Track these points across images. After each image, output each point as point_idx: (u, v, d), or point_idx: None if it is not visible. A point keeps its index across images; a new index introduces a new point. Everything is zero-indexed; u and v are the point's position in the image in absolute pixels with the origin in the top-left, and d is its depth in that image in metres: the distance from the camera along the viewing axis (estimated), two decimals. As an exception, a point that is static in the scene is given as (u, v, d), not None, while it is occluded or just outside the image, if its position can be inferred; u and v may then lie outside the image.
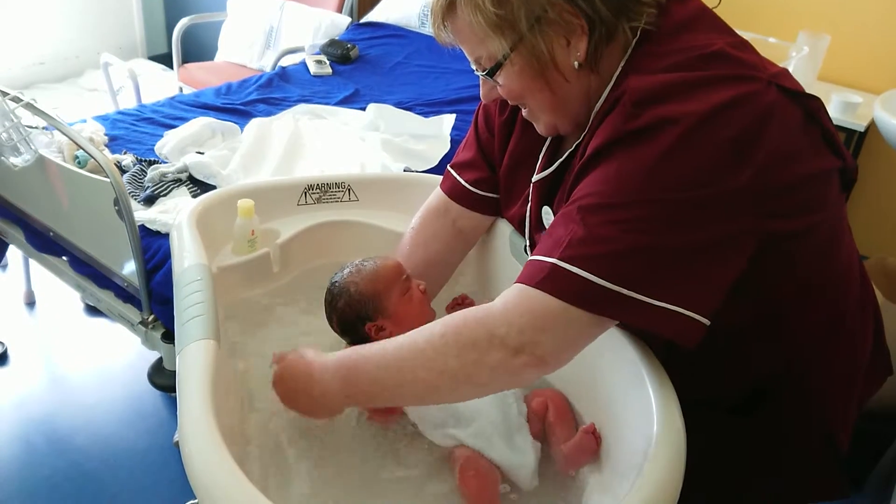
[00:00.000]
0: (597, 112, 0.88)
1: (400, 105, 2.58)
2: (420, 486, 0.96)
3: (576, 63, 0.85)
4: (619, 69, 0.85)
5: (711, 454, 0.90)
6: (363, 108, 2.52)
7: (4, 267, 2.76)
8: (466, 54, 0.90)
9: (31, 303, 2.62)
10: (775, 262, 0.85)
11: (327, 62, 2.91)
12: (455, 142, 2.34)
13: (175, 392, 1.84)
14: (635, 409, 0.87)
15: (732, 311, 0.83)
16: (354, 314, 1.08)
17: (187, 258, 1.03)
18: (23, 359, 2.40)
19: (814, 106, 0.84)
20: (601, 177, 0.80)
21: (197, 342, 0.86)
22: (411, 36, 3.16)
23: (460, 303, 1.22)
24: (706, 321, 0.79)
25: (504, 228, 1.19)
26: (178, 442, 1.99)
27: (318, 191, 1.31)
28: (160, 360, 1.77)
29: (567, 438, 0.99)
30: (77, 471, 1.99)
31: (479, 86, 0.94)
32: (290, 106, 2.54)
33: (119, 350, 2.46)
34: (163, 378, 1.73)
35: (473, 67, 0.92)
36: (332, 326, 1.12)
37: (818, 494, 1.04)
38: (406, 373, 0.84)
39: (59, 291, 2.12)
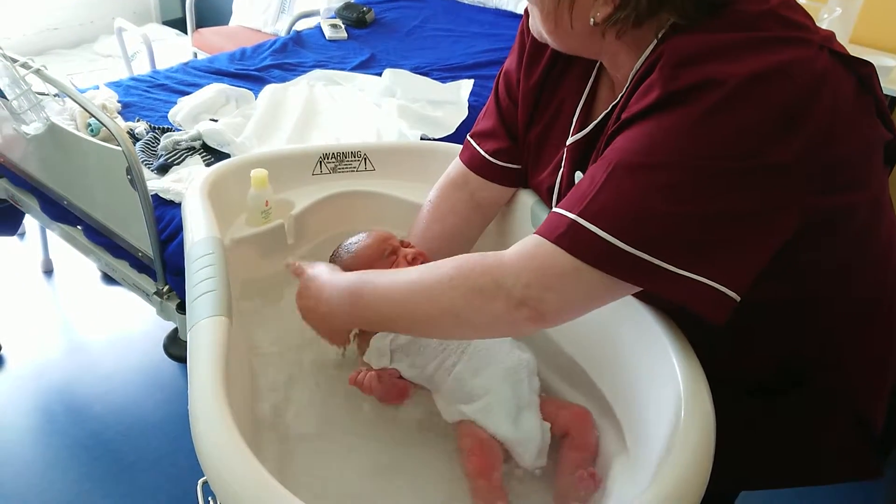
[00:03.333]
0: (635, 73, 0.83)
1: (417, 70, 2.52)
2: (433, 470, 0.94)
3: (591, 20, 0.81)
4: (663, 31, 0.80)
5: (738, 436, 0.87)
6: (379, 74, 2.46)
7: (22, 235, 2.76)
8: None
9: (48, 271, 2.62)
10: (814, 240, 0.80)
11: (342, 26, 2.85)
12: (473, 108, 2.28)
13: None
14: (661, 391, 0.83)
15: (766, 288, 0.78)
16: None
17: (198, 231, 0.99)
18: (41, 327, 2.40)
19: (866, 73, 0.78)
20: (636, 136, 0.75)
21: (208, 319, 0.84)
22: (429, -1, 3.09)
23: None
24: (736, 297, 0.75)
25: (526, 200, 1.14)
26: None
27: (333, 160, 1.27)
28: (175, 330, 1.76)
29: (577, 466, 0.94)
30: (95, 440, 2.00)
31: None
32: (305, 71, 2.49)
33: (136, 318, 2.46)
34: (178, 349, 1.72)
35: None
36: None
37: (849, 475, 1.00)
38: (409, 306, 0.86)
39: (76, 260, 2.12)
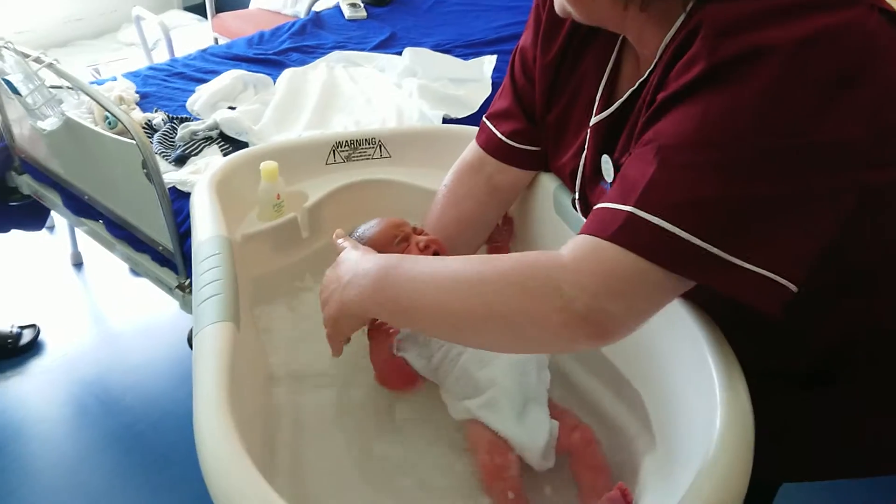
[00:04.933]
0: (666, 46, 0.77)
1: (438, 48, 2.46)
2: (447, 466, 0.91)
3: None
4: (691, 3, 0.74)
5: (782, 427, 0.81)
6: (400, 53, 2.41)
7: (52, 229, 2.77)
8: None
9: (77, 264, 2.63)
10: (864, 220, 0.73)
11: (362, 5, 2.79)
12: (496, 85, 2.21)
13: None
14: (693, 385, 0.78)
15: (813, 273, 0.72)
16: None
17: (204, 230, 0.96)
18: (72, 319, 2.42)
19: None
20: (684, 115, 0.69)
21: (212, 325, 0.80)
22: (450, -28, 3.00)
23: (504, 222, 1.16)
24: (794, 288, 0.68)
25: (548, 184, 1.08)
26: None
27: (347, 148, 1.23)
28: (200, 323, 1.74)
29: (595, 484, 0.88)
30: (128, 432, 2.01)
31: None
32: (324, 54, 2.45)
33: (165, 309, 2.46)
34: (203, 342, 1.70)
35: None
36: None
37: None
38: (448, 298, 0.75)
39: (104, 252, 2.13)
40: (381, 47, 2.53)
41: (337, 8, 2.83)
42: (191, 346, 1.74)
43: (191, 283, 1.67)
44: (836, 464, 0.95)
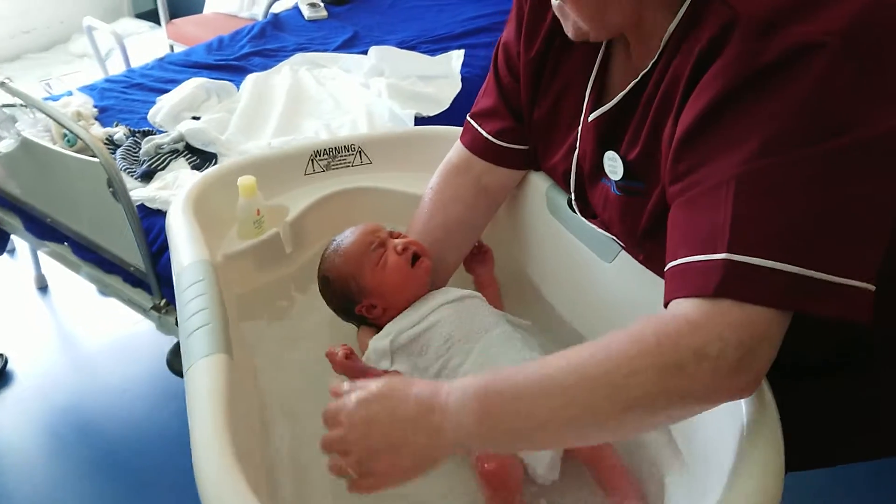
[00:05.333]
0: (671, 35, 0.74)
1: (403, 45, 2.41)
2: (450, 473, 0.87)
3: None
4: None
5: (799, 417, 0.79)
6: (364, 52, 2.35)
7: (12, 252, 2.67)
8: None
9: (42, 287, 2.54)
10: None
11: (321, 4, 2.73)
12: (466, 80, 2.18)
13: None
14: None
15: None
16: (342, 301, 1.01)
17: (185, 255, 0.91)
18: (41, 345, 2.33)
19: None
20: (742, 132, 0.65)
21: (205, 359, 0.75)
22: (409, -33, 2.94)
23: (478, 252, 1.11)
24: (872, 288, 0.64)
25: (539, 183, 1.05)
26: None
27: (325, 157, 1.18)
28: (178, 344, 1.68)
29: (620, 486, 0.87)
30: (108, 459, 1.93)
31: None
32: (286, 56, 2.38)
33: (140, 330, 2.38)
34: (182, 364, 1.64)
35: None
36: None
37: None
38: (578, 408, 0.64)
39: (70, 273, 2.05)
40: (345, 47, 2.47)
41: (296, 9, 2.76)
42: (171, 369, 1.70)
43: (167, 303, 1.62)
44: (857, 447, 0.94)
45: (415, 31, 2.51)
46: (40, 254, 2.48)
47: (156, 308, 1.63)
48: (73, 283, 2.55)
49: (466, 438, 0.66)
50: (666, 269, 0.70)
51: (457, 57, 2.28)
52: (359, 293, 0.97)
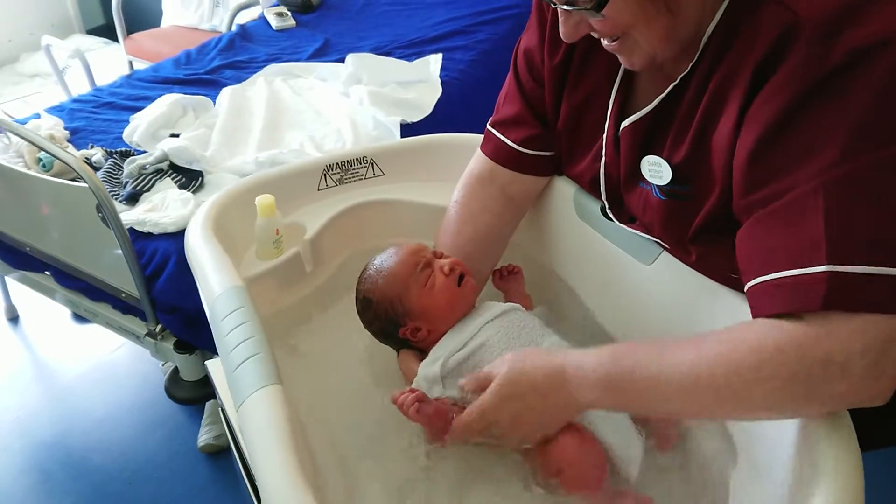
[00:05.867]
0: (711, 34, 0.73)
1: (377, 51, 2.38)
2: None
3: None
4: None
5: None
6: (337, 60, 2.32)
7: (-23, 284, 2.55)
8: None
9: (13, 318, 2.43)
10: None
11: (289, 13, 2.68)
12: (445, 84, 2.16)
13: (194, 403, 1.69)
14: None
15: None
16: (385, 324, 0.97)
17: (217, 282, 0.87)
18: (17, 379, 2.23)
19: None
20: (821, 138, 0.64)
21: (261, 391, 0.71)
22: (375, -28, 2.91)
23: (507, 274, 1.08)
24: None
25: (564, 188, 1.04)
26: (204, 446, 1.88)
27: (338, 170, 1.15)
28: (176, 370, 1.62)
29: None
30: (100, 493, 1.86)
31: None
32: (259, 68, 2.33)
33: (120, 355, 2.30)
34: (183, 391, 1.59)
35: (553, 2, 0.74)
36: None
37: None
38: (705, 405, 0.70)
39: (41, 302, 1.96)
40: (317, 56, 2.43)
41: (262, 19, 2.70)
42: (171, 396, 1.63)
43: (163, 329, 1.56)
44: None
45: (388, 37, 2.48)
46: (9, 283, 2.38)
47: (151, 335, 1.57)
48: (45, 312, 2.45)
49: (597, 395, 0.75)
50: (750, 285, 0.69)
51: (434, 61, 2.26)
52: (404, 315, 0.94)
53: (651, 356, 0.72)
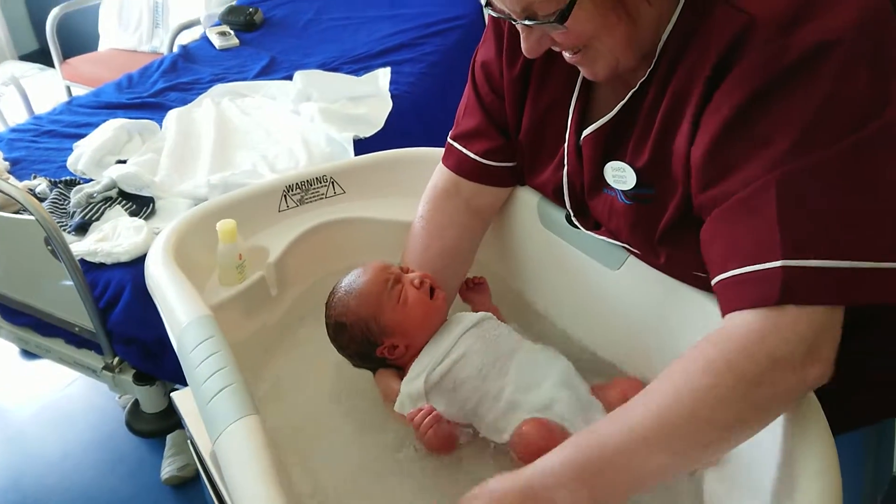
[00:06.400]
0: (667, 40, 0.74)
1: (324, 67, 2.37)
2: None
3: None
4: None
5: None
6: (286, 78, 2.30)
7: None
8: (507, 5, 0.73)
9: (-44, 359, 2.33)
10: None
11: (231, 32, 2.64)
12: (395, 98, 2.15)
13: (157, 436, 1.64)
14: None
15: None
16: (361, 346, 0.96)
17: (182, 312, 0.84)
18: (-38, 425, 2.14)
19: None
20: (772, 133, 0.66)
21: (238, 422, 0.69)
22: (317, -12, 2.89)
23: (473, 286, 1.08)
24: None
25: (527, 198, 1.04)
26: (168, 479, 1.82)
27: (298, 191, 1.13)
28: (136, 403, 1.57)
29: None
30: (62, 538, 1.79)
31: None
32: (204, 89, 2.29)
33: (74, 391, 2.22)
34: (145, 423, 1.54)
35: (514, 19, 0.75)
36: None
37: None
38: (679, 450, 0.67)
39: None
40: (264, 74, 2.40)
41: (205, 39, 2.66)
42: (132, 430, 1.58)
43: (120, 361, 1.51)
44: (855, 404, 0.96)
45: (334, 52, 2.47)
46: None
47: (108, 368, 1.52)
48: (-10, 351, 2.36)
49: None
50: (715, 281, 0.70)
51: (383, 75, 2.26)
52: (380, 334, 0.93)
53: (612, 426, 0.69)
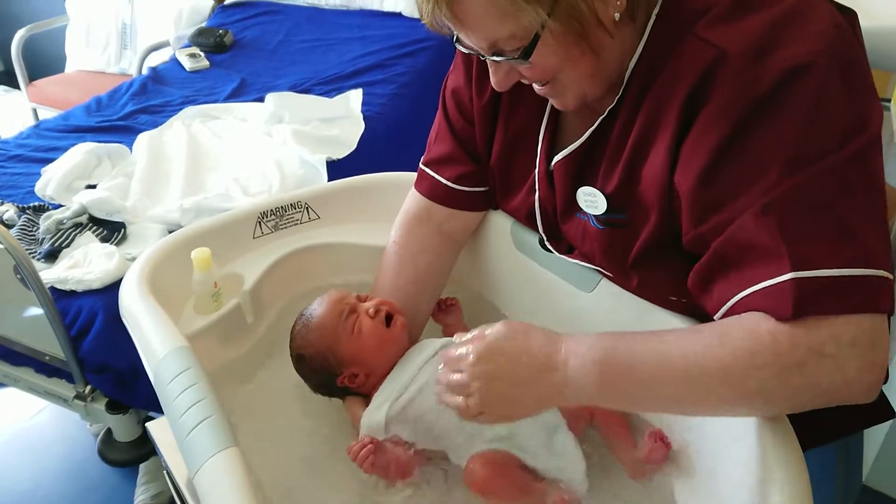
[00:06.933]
0: (633, 70, 0.77)
1: (295, 88, 2.37)
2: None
3: (616, 14, 0.72)
4: (654, 16, 0.74)
5: None
6: (257, 100, 2.30)
7: None
8: (474, 41, 0.75)
9: (-80, 389, 2.27)
10: None
11: (201, 54, 2.63)
12: (368, 119, 2.16)
13: (131, 465, 1.61)
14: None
15: None
16: (322, 376, 0.97)
17: (158, 344, 0.84)
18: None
19: (853, 16, 0.75)
20: (762, 160, 0.67)
21: (218, 455, 0.69)
22: (287, 10, 2.90)
23: (445, 307, 1.09)
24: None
25: (501, 222, 1.06)
26: (139, 508, 1.79)
27: (273, 217, 1.13)
28: (108, 432, 1.55)
29: (626, 439, 0.90)
30: (34, 572, 1.75)
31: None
32: (175, 111, 2.28)
33: (43, 419, 2.18)
34: (118, 453, 1.52)
35: (482, 55, 0.77)
36: None
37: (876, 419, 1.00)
38: (696, 388, 0.68)
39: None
40: (235, 96, 2.39)
41: (174, 61, 2.65)
42: (104, 459, 1.56)
43: (92, 390, 1.49)
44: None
45: (305, 74, 2.47)
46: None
47: (80, 397, 1.49)
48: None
49: (584, 399, 0.72)
50: (725, 308, 0.71)
51: (355, 96, 2.27)
52: (338, 365, 0.94)
53: (646, 347, 0.71)
